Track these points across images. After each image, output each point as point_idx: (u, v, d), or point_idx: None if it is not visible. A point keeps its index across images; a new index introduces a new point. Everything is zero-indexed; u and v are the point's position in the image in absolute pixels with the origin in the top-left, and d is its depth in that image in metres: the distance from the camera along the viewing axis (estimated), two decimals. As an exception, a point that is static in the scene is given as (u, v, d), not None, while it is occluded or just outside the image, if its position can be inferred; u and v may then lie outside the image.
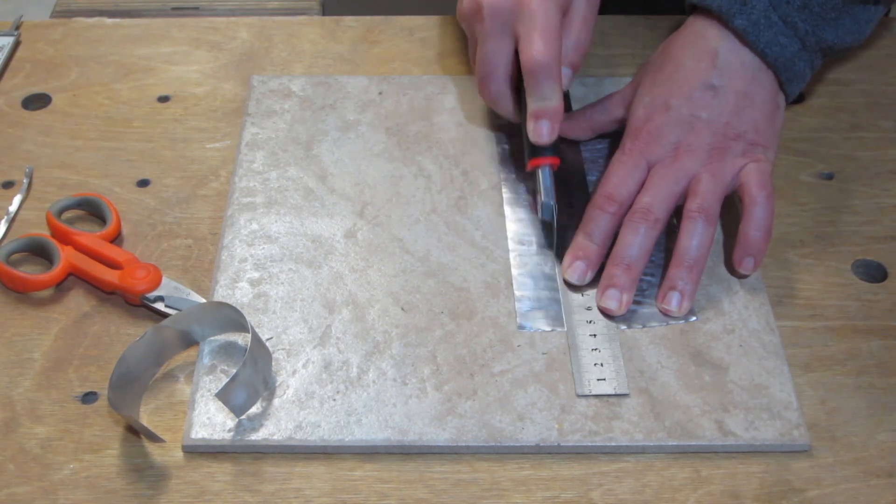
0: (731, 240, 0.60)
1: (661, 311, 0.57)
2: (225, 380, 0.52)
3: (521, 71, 0.60)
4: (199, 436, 0.51)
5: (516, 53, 0.61)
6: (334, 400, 0.53)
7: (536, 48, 0.58)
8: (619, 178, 0.59)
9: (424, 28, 0.78)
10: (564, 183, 0.64)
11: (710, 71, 0.61)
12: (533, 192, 0.64)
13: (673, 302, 0.56)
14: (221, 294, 0.58)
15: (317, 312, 0.57)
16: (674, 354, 0.55)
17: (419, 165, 0.66)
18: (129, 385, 0.52)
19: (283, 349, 0.55)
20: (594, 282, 0.58)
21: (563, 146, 0.67)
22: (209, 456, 0.51)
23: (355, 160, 0.66)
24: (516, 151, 0.67)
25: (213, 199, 0.64)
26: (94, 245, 0.59)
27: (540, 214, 0.60)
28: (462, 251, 0.60)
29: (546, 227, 0.61)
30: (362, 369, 0.54)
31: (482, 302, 0.57)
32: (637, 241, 0.57)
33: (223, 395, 0.50)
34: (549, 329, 0.56)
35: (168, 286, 0.57)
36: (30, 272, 0.58)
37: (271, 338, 0.56)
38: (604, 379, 0.53)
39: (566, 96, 0.61)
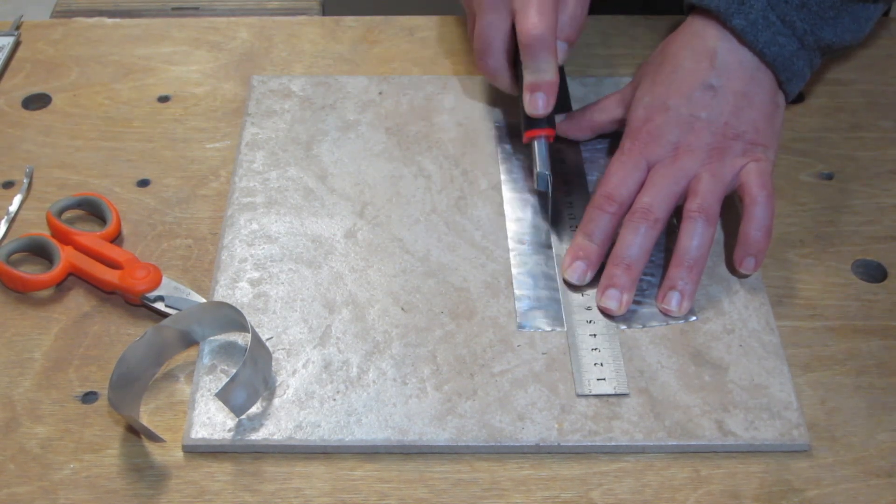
0: (731, 240, 0.60)
1: (661, 311, 0.57)
2: (225, 380, 0.52)
3: (518, 45, 0.61)
4: (200, 436, 0.51)
5: (513, 28, 0.62)
6: (334, 400, 0.53)
7: (532, 22, 0.59)
8: (618, 179, 0.59)
9: (424, 28, 0.78)
10: (564, 183, 0.65)
11: (708, 71, 0.61)
12: (528, 162, 0.65)
13: (673, 302, 0.56)
14: (221, 294, 0.58)
15: (317, 312, 0.57)
16: (674, 354, 0.55)
17: (419, 165, 0.66)
18: (129, 385, 0.52)
19: (283, 349, 0.55)
20: (594, 282, 0.58)
21: (563, 146, 0.67)
22: (209, 456, 0.51)
23: (355, 160, 0.66)
24: (517, 151, 0.67)
25: (213, 199, 0.64)
26: (94, 245, 0.59)
27: (536, 185, 0.61)
28: (462, 251, 0.60)
29: (541, 198, 0.63)
30: (362, 369, 0.54)
31: (482, 302, 0.57)
32: (637, 241, 0.57)
33: (223, 395, 0.50)
34: (548, 329, 0.56)
35: (168, 286, 0.57)
36: (30, 272, 0.58)
37: (271, 338, 0.56)
38: (604, 379, 0.53)
39: (561, 70, 0.62)
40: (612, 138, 0.67)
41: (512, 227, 0.62)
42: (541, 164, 0.61)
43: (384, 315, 0.57)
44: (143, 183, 0.65)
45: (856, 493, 0.50)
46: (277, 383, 0.53)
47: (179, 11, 1.00)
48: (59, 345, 0.56)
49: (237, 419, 0.52)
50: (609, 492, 0.50)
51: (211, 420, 0.52)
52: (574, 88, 0.70)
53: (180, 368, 0.55)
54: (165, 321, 0.54)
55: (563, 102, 0.64)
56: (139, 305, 0.57)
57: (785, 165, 0.67)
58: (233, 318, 0.54)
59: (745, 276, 0.59)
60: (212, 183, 0.65)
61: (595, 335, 0.56)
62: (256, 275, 0.59)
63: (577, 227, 0.60)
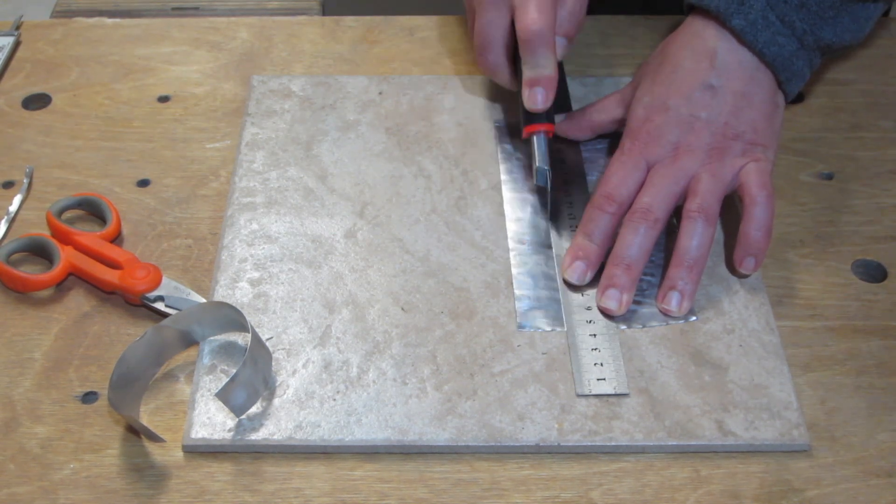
0: (731, 240, 0.60)
1: (661, 311, 0.57)
2: (225, 380, 0.52)
3: (517, 40, 0.61)
4: (200, 435, 0.51)
5: (513, 24, 0.62)
6: (334, 400, 0.53)
7: (531, 17, 0.60)
8: (618, 179, 0.59)
9: (424, 28, 0.78)
10: (564, 183, 0.65)
11: (708, 71, 0.61)
12: (528, 161, 0.65)
13: (673, 302, 0.56)
14: (221, 294, 0.58)
15: (317, 312, 0.57)
16: (674, 354, 0.55)
17: (419, 165, 0.66)
18: (129, 385, 0.52)
19: (283, 349, 0.55)
20: (594, 282, 0.58)
21: (563, 146, 0.67)
22: (209, 456, 0.51)
23: (355, 160, 0.66)
24: (517, 151, 0.67)
25: (213, 199, 0.64)
26: (94, 245, 0.59)
27: (535, 180, 0.61)
28: (462, 251, 0.60)
29: (541, 193, 0.63)
30: (362, 369, 0.54)
31: (482, 302, 0.57)
32: (637, 241, 0.57)
33: (223, 395, 0.50)
34: (548, 329, 0.56)
35: (168, 286, 0.57)
36: (30, 272, 0.58)
37: (271, 338, 0.56)
38: (604, 379, 0.53)
39: (561, 70, 0.62)
40: (612, 138, 0.67)
41: (512, 227, 0.62)
42: (540, 159, 0.61)
43: (384, 315, 0.57)
44: (143, 183, 0.65)
45: (856, 493, 0.50)
46: (277, 383, 0.53)
47: (179, 11, 1.00)
48: (59, 345, 0.56)
49: (237, 419, 0.52)
50: (609, 492, 0.50)
51: (211, 420, 0.52)
52: (574, 88, 0.70)
53: (180, 368, 0.55)
54: (165, 321, 0.54)
55: (563, 102, 0.64)
56: (139, 305, 0.57)
57: (785, 165, 0.67)
58: (233, 318, 0.54)
59: (745, 276, 0.59)
60: (212, 183, 0.65)
61: (595, 335, 0.56)
62: (256, 275, 0.59)
63: (577, 227, 0.60)
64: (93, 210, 0.63)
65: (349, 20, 0.79)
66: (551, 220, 0.62)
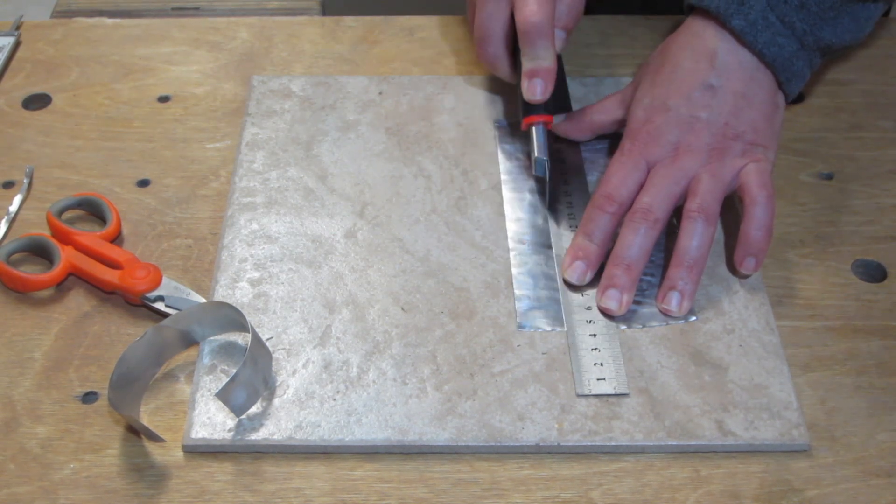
0: (731, 240, 0.60)
1: (661, 311, 0.57)
2: (225, 380, 0.52)
3: (517, 32, 0.62)
4: (200, 435, 0.51)
5: (512, 17, 0.63)
6: (334, 400, 0.53)
7: (531, 9, 0.60)
8: (618, 179, 0.59)
9: (424, 28, 0.78)
10: (564, 183, 0.65)
11: (708, 71, 0.61)
12: (528, 161, 0.66)
13: (673, 302, 0.56)
14: (221, 294, 0.58)
15: (317, 312, 0.57)
16: (674, 354, 0.55)
17: (419, 165, 0.66)
18: (129, 385, 0.52)
19: (283, 349, 0.55)
20: (594, 282, 0.58)
21: (562, 146, 0.67)
22: (209, 456, 0.51)
23: (355, 160, 0.66)
24: (517, 151, 0.67)
25: (213, 199, 0.64)
26: (94, 245, 0.59)
27: (534, 170, 0.62)
28: (462, 251, 0.60)
29: (539, 184, 0.64)
30: (362, 369, 0.54)
31: (482, 302, 0.57)
32: (637, 242, 0.57)
33: (223, 395, 0.50)
34: (548, 329, 0.56)
35: (168, 286, 0.57)
36: (30, 272, 0.58)
37: (271, 338, 0.56)
38: (604, 379, 0.53)
39: (561, 70, 0.63)
40: (612, 138, 0.67)
41: (512, 227, 0.62)
42: (539, 149, 0.62)
43: (384, 315, 0.57)
44: (144, 183, 0.65)
45: (856, 493, 0.50)
46: (277, 383, 0.53)
47: (179, 11, 1.00)
48: (59, 345, 0.56)
49: (237, 419, 0.52)
50: (609, 492, 0.50)
51: (211, 420, 0.52)
52: (574, 88, 0.70)
53: (180, 368, 0.55)
54: (165, 321, 0.54)
55: (563, 102, 0.64)
56: (139, 305, 0.57)
57: (785, 165, 0.67)
58: (233, 318, 0.54)
59: (746, 276, 0.59)
60: (212, 183, 0.65)
61: (595, 335, 0.56)
62: (256, 275, 0.59)
63: (577, 227, 0.60)
64: (93, 210, 0.63)
65: (349, 20, 0.79)
66: (550, 211, 0.62)
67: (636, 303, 0.57)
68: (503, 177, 0.65)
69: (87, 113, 0.70)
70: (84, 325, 0.57)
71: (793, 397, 0.53)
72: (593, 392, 0.53)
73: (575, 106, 0.67)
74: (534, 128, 0.62)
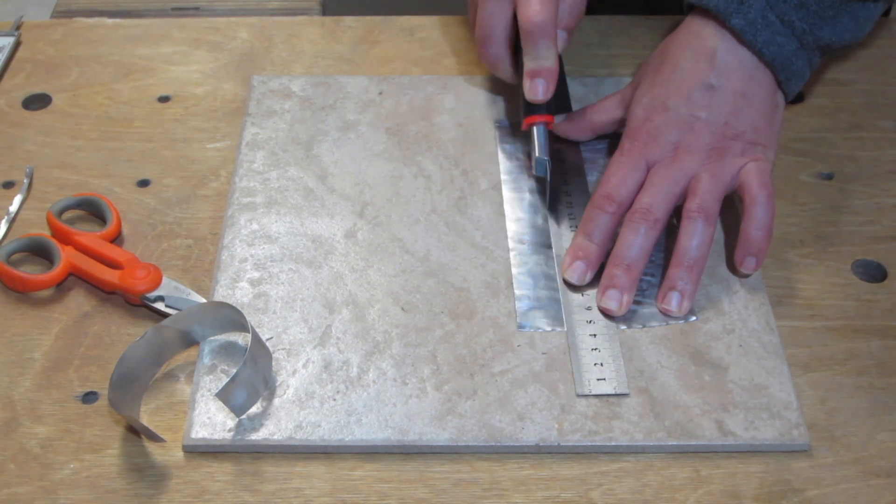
0: (731, 240, 0.61)
1: (661, 311, 0.57)
2: (225, 380, 0.52)
3: (519, 32, 0.62)
4: (200, 435, 0.51)
5: (514, 17, 0.63)
6: (334, 400, 0.53)
7: (534, 9, 0.60)
8: (618, 179, 0.59)
9: (424, 28, 0.78)
10: (565, 183, 0.65)
11: (708, 71, 0.61)
12: (527, 152, 0.66)
13: (673, 302, 0.56)
14: (221, 294, 0.58)
15: (317, 312, 0.57)
16: (674, 354, 0.55)
17: (419, 165, 0.66)
18: (129, 385, 0.52)
19: (283, 349, 0.55)
20: (594, 282, 0.58)
21: (562, 146, 0.67)
22: (209, 456, 0.51)
23: (355, 160, 0.66)
24: (517, 151, 0.67)
25: (213, 199, 0.64)
26: (94, 245, 0.59)
27: (534, 170, 0.62)
28: (462, 251, 0.60)
29: (540, 184, 0.64)
30: (362, 369, 0.54)
31: (482, 302, 0.57)
32: (637, 242, 0.57)
33: (223, 395, 0.50)
34: (548, 329, 0.56)
35: (168, 286, 0.57)
36: (30, 272, 0.58)
37: (271, 338, 0.56)
38: (604, 379, 0.53)
39: (561, 70, 0.63)
40: (612, 138, 0.67)
41: (512, 227, 0.62)
42: (540, 149, 0.62)
43: (384, 315, 0.57)
44: (144, 183, 0.65)
45: (856, 493, 0.50)
46: (277, 383, 0.53)
47: (179, 11, 1.00)
48: (59, 345, 0.56)
49: (237, 419, 0.52)
50: (609, 492, 0.50)
51: (211, 420, 0.52)
52: (574, 88, 0.70)
53: (180, 368, 0.55)
54: (165, 321, 0.54)
55: (563, 102, 0.64)
56: (139, 305, 0.57)
57: (785, 165, 0.67)
58: (233, 318, 0.54)
59: (746, 276, 0.59)
60: (212, 183, 0.65)
61: (595, 335, 0.56)
62: (256, 275, 0.59)
63: (577, 227, 0.60)
64: (93, 210, 0.63)
65: (349, 20, 0.79)
66: (550, 211, 0.62)
67: (636, 303, 0.57)
68: (503, 177, 0.65)
69: (87, 113, 0.70)
70: (84, 325, 0.57)
71: (793, 397, 0.53)
72: (593, 392, 0.53)
73: (575, 106, 0.67)
74: (535, 128, 0.63)
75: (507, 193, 0.64)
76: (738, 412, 0.52)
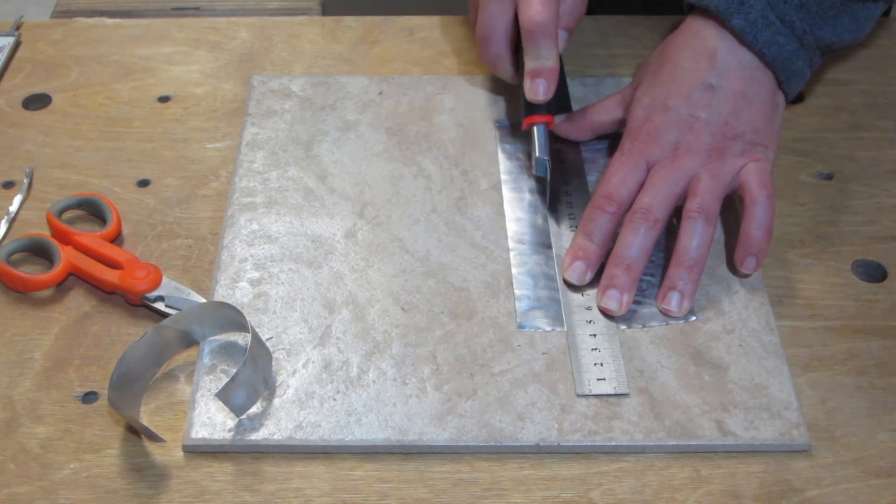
0: (731, 240, 0.61)
1: (661, 311, 0.57)
2: (225, 380, 0.52)
3: (520, 32, 0.62)
4: (200, 435, 0.51)
5: (515, 17, 0.63)
6: (334, 400, 0.53)
7: (535, 9, 0.60)
8: (618, 179, 0.59)
9: (424, 28, 0.78)
10: (564, 183, 0.65)
11: (708, 71, 0.61)
12: (527, 152, 0.66)
13: (673, 302, 0.56)
14: (221, 294, 0.58)
15: (317, 312, 0.57)
16: (674, 354, 0.55)
17: (419, 165, 0.66)
18: (129, 385, 0.52)
19: (283, 349, 0.55)
20: (594, 282, 0.58)
21: (562, 146, 0.67)
22: (209, 456, 0.51)
23: (355, 160, 0.66)
24: (517, 151, 0.67)
25: (213, 199, 0.64)
26: (94, 245, 0.59)
27: (534, 170, 0.62)
28: (462, 251, 0.60)
29: (540, 184, 0.64)
30: (362, 369, 0.54)
31: (482, 302, 0.57)
32: (637, 242, 0.57)
33: (223, 395, 0.50)
34: (548, 329, 0.56)
35: (168, 286, 0.57)
36: (30, 272, 0.58)
37: (271, 338, 0.56)
38: (604, 379, 0.53)
39: (561, 71, 0.63)
40: (612, 138, 0.67)
41: (512, 227, 0.62)
42: (540, 149, 0.62)
43: (384, 315, 0.57)
44: (144, 183, 0.65)
45: (856, 493, 0.50)
46: (277, 383, 0.53)
47: (179, 11, 1.00)
48: (59, 345, 0.56)
49: (237, 419, 0.52)
50: (609, 492, 0.50)
51: (211, 420, 0.52)
52: (574, 88, 0.70)
53: (180, 368, 0.55)
54: (165, 321, 0.54)
55: (563, 102, 0.64)
56: (139, 305, 0.57)
57: (785, 165, 0.67)
58: (233, 318, 0.54)
59: (746, 276, 0.59)
60: (212, 183, 0.65)
61: (595, 335, 0.56)
62: (256, 275, 0.59)
63: (577, 227, 0.60)
64: (93, 210, 0.63)
65: (349, 20, 0.79)
66: (550, 211, 0.62)
67: (636, 303, 0.57)
68: (503, 177, 0.65)
69: (87, 113, 0.70)
70: (84, 325, 0.57)
71: (793, 397, 0.53)
72: (593, 392, 0.53)
73: (575, 106, 0.67)
74: (535, 128, 0.62)
75: (507, 193, 0.64)
76: (738, 412, 0.52)
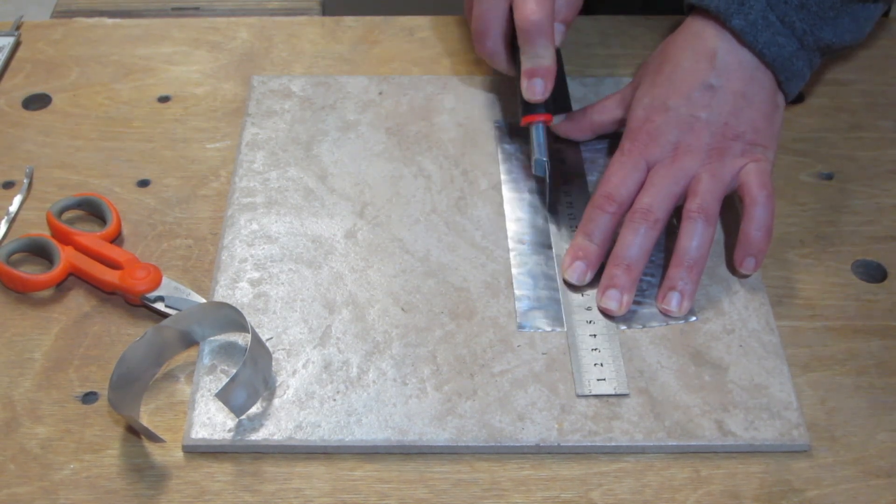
0: (731, 240, 0.60)
1: (661, 311, 0.57)
2: (225, 380, 0.52)
3: (516, 31, 0.62)
4: (200, 436, 0.51)
5: (511, 11, 0.62)
6: (334, 400, 0.53)
7: (530, 8, 0.60)
8: (618, 179, 0.59)
9: (424, 28, 0.78)
10: (565, 183, 0.65)
11: (708, 71, 0.61)
12: (527, 152, 0.66)
13: (673, 302, 0.56)
14: (221, 294, 0.58)
15: (317, 312, 0.57)
16: (674, 354, 0.55)
17: (419, 165, 0.66)
18: (129, 385, 0.52)
19: (283, 349, 0.55)
20: (594, 282, 0.58)
21: (562, 146, 0.67)
22: (209, 456, 0.51)
23: (355, 160, 0.66)
24: (517, 151, 0.67)
25: (213, 199, 0.64)
26: (94, 245, 0.59)
27: (533, 170, 0.62)
28: (462, 251, 0.60)
29: (539, 184, 0.64)
30: (362, 369, 0.54)
31: (482, 302, 0.57)
32: (637, 242, 0.57)
33: (223, 395, 0.50)
34: (548, 329, 0.56)
35: (168, 286, 0.57)
36: (30, 272, 0.58)
37: (271, 338, 0.56)
38: (604, 379, 0.53)
39: (561, 70, 0.63)
40: (612, 138, 0.67)
41: (512, 227, 0.62)
42: (538, 150, 0.62)
43: (384, 315, 0.57)
44: (144, 183, 0.65)
45: (856, 493, 0.50)
46: (277, 383, 0.53)
47: (179, 11, 1.00)
48: (59, 345, 0.56)
49: (237, 419, 0.52)
50: (609, 492, 0.50)
51: (211, 420, 0.52)
52: (574, 88, 0.70)
53: (180, 368, 0.55)
54: (165, 321, 0.54)
55: (563, 102, 0.64)
56: (139, 305, 0.57)
57: (785, 165, 0.67)
58: (233, 319, 0.54)
59: (746, 277, 0.59)
60: (212, 183, 0.65)
61: (595, 335, 0.56)
62: (256, 275, 0.59)
63: (577, 227, 0.60)
64: (93, 210, 0.63)
65: (349, 20, 0.79)
66: (550, 211, 0.62)
67: (636, 303, 0.57)
68: (503, 177, 0.65)
69: (87, 113, 0.70)
70: (84, 326, 0.57)
71: (793, 397, 0.53)
72: (593, 392, 0.53)
73: (575, 106, 0.67)
74: (533, 128, 0.62)
75: (507, 193, 0.64)
76: (738, 412, 0.52)
